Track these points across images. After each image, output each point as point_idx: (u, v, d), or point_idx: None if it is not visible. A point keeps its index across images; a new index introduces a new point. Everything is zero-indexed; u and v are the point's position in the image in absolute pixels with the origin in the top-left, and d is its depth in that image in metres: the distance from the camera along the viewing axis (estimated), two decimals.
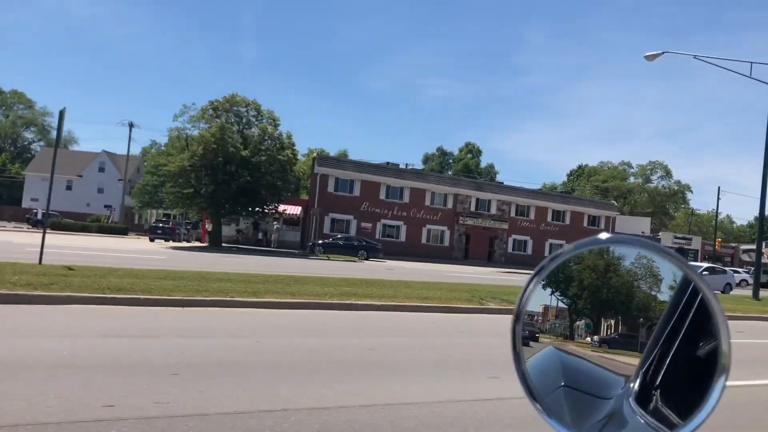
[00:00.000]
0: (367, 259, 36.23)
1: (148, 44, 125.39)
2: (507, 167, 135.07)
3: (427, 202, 47.32)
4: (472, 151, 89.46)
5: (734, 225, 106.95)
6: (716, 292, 0.77)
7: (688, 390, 0.83)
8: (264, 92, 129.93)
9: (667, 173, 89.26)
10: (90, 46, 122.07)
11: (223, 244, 39.29)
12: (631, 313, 0.85)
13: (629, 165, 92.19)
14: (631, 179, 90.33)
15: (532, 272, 0.88)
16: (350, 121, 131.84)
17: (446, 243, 48.04)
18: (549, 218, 52.33)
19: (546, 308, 0.86)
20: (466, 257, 48.34)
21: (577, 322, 0.88)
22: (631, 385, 0.89)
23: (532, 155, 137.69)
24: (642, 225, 64.25)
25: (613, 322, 0.87)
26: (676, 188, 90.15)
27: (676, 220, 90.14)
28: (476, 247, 49.14)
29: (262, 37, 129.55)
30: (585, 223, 53.66)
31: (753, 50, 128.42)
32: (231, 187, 31.26)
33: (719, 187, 56.47)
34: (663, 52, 23.95)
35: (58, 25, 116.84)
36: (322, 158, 45.48)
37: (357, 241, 38.25)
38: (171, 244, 36.50)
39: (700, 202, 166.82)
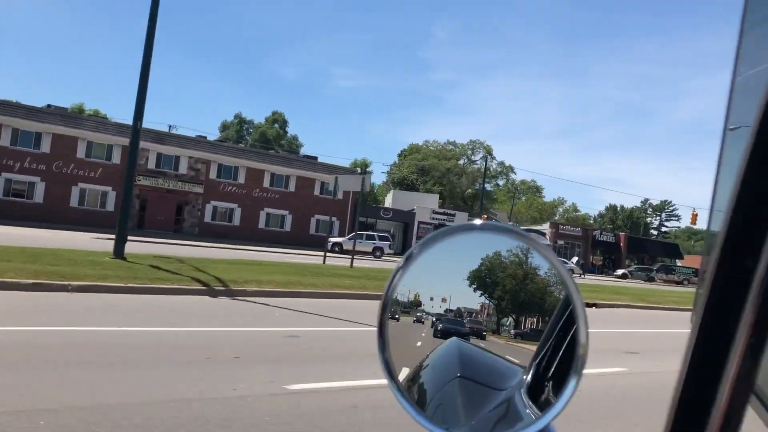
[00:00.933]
0: None
1: (41, 21, 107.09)
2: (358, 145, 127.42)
3: (81, 154, 36.91)
4: (278, 120, 79.98)
5: (577, 213, 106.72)
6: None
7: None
8: (167, 74, 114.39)
9: (489, 153, 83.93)
10: None
11: None
12: (543, 313, 0.94)
13: (454, 144, 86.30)
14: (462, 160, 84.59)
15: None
16: (258, 108, 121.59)
17: (110, 208, 37.83)
18: (266, 183, 43.34)
19: (482, 306, 0.95)
20: (141, 226, 38.42)
21: (503, 320, 0.95)
22: (524, 377, 0.94)
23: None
24: (428, 201, 57.10)
25: (534, 320, 0.95)
26: (499, 170, 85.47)
27: (502, 203, 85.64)
28: (157, 214, 39.30)
29: (166, 18, 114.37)
30: (317, 191, 45.16)
31: (643, 54, 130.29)
32: None
33: (486, 157, 49.90)
34: None
35: None
36: None
37: None
38: None
39: (592, 200, 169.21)
